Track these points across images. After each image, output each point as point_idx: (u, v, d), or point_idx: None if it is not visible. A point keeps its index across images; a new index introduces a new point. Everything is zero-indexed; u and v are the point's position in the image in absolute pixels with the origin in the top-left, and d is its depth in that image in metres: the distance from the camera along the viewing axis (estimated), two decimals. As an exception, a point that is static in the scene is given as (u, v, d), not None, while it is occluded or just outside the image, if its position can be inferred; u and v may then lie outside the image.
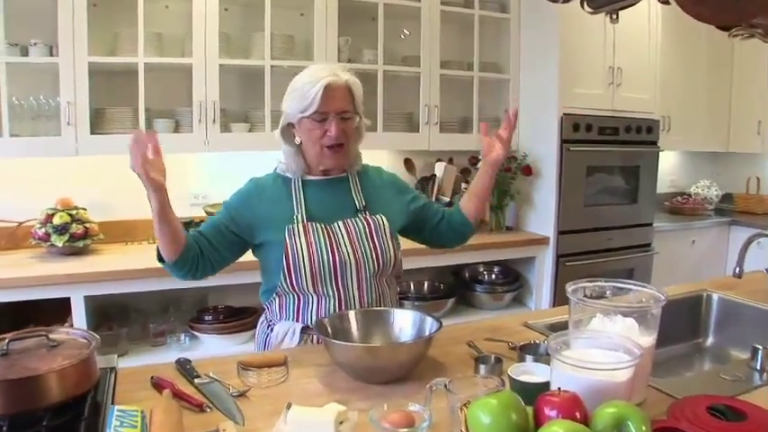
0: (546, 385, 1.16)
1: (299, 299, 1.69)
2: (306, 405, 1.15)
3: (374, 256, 1.68)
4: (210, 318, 2.86)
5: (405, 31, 3.56)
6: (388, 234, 1.73)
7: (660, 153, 3.86)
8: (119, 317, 2.83)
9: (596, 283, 1.42)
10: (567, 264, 3.49)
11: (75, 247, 2.74)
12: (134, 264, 2.61)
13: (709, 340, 2.17)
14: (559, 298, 3.50)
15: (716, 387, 1.47)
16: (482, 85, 3.62)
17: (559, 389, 0.99)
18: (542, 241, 3.50)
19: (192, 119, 2.89)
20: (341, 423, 1.11)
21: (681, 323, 2.16)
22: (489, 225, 3.64)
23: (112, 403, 1.24)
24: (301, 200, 1.71)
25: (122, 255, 2.84)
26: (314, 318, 1.65)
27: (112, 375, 1.38)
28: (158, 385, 1.32)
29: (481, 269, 3.63)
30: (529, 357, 1.41)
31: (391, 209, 1.80)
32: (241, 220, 1.70)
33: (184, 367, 1.41)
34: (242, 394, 1.29)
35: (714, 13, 1.40)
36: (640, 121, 3.68)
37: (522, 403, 0.98)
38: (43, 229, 2.71)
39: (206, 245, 1.68)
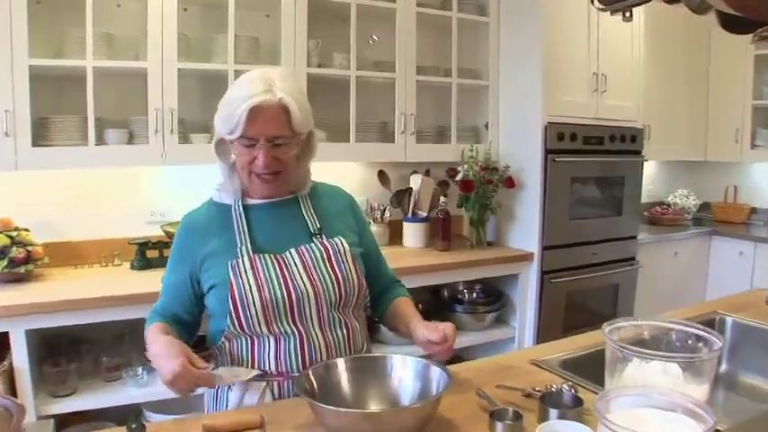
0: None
1: (252, 341, 1.44)
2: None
3: (335, 284, 1.46)
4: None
5: (373, 36, 3.34)
6: (349, 258, 1.50)
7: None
8: (67, 350, 2.51)
9: (632, 323, 1.21)
10: (553, 281, 3.30)
11: (16, 273, 2.43)
12: (84, 291, 2.32)
13: (723, 367, 1.99)
14: (545, 317, 3.32)
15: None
16: (460, 92, 3.42)
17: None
18: (526, 257, 3.31)
19: (148, 129, 2.61)
20: None
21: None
22: (469, 241, 3.43)
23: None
24: (244, 229, 1.47)
25: (70, 281, 2.54)
26: (272, 362, 1.42)
27: (47, 448, 1.12)
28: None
29: (461, 288, 3.41)
30: (553, 412, 1.20)
31: (349, 233, 1.59)
32: (193, 270, 1.49)
33: (137, 435, 1.15)
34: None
35: (760, 7, 1.22)
36: (624, 130, 3.53)
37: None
38: (-22, 254, 2.40)
39: (183, 318, 1.51)
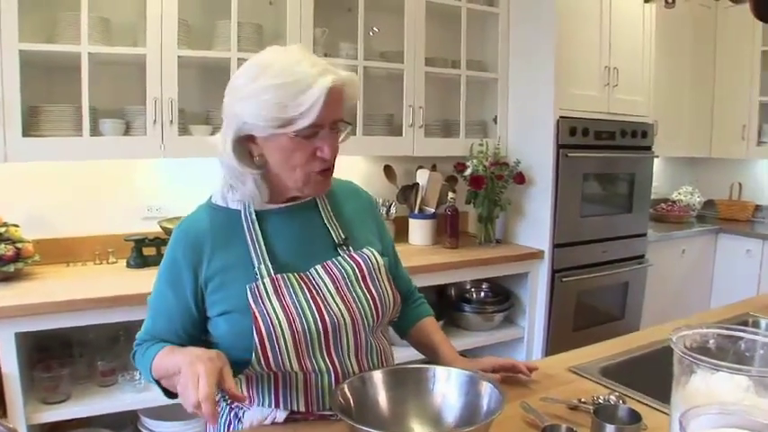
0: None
1: (276, 378, 1.23)
2: None
3: (372, 306, 1.26)
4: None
5: (374, 28, 3.21)
6: (383, 273, 1.31)
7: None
8: (60, 354, 2.38)
9: (697, 331, 1.10)
10: (564, 279, 3.20)
11: (5, 272, 2.28)
12: (77, 292, 2.18)
13: (758, 373, 1.89)
14: (555, 317, 3.22)
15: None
16: (468, 84, 3.30)
17: None
18: (536, 255, 3.20)
19: (146, 120, 2.46)
20: None
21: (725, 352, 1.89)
22: (478, 239, 3.32)
23: None
24: (259, 242, 1.24)
25: (62, 280, 2.40)
26: (302, 402, 1.22)
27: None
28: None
29: (468, 287, 3.31)
30: (610, 428, 1.09)
31: (373, 236, 1.41)
32: (194, 291, 1.24)
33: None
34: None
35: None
36: (636, 125, 3.43)
37: None
38: (-36, 251, 2.26)
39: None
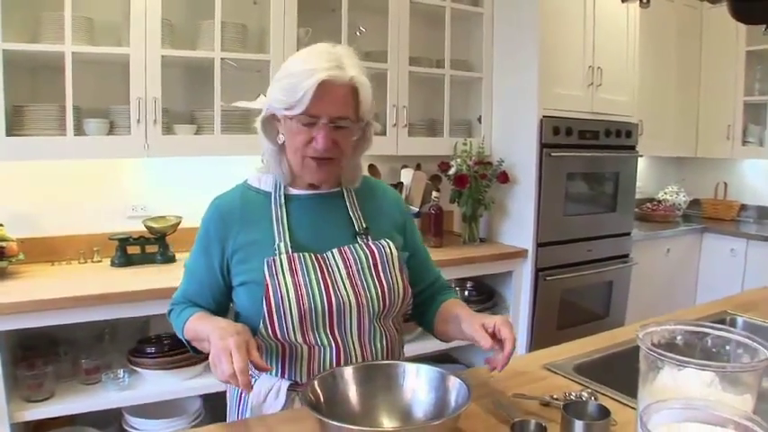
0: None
1: (284, 349, 1.32)
2: None
3: (379, 294, 1.32)
4: (153, 349, 2.43)
5: (360, 27, 3.22)
6: (396, 264, 1.37)
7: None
8: (44, 351, 2.38)
9: (665, 327, 1.12)
10: (548, 278, 3.23)
11: (-12, 270, 2.29)
12: (61, 290, 2.19)
13: (733, 370, 1.92)
14: (539, 315, 3.25)
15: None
16: (452, 84, 3.32)
17: None
18: (520, 254, 3.22)
19: (130, 119, 2.47)
20: None
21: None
22: (462, 237, 3.34)
23: None
24: (284, 221, 1.33)
25: (47, 278, 2.41)
26: (305, 373, 1.30)
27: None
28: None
29: (453, 285, 3.31)
30: (578, 423, 1.11)
31: (396, 233, 1.45)
32: (222, 258, 1.36)
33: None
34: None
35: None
36: (620, 125, 3.47)
37: None
38: (-52, 250, 2.26)
39: (210, 310, 1.38)
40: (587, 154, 3.32)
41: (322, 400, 1.07)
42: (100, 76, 2.59)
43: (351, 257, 1.34)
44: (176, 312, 1.40)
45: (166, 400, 2.40)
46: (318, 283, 1.29)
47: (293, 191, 1.39)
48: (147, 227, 2.66)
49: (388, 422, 1.13)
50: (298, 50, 2.75)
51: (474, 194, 3.24)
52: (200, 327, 1.29)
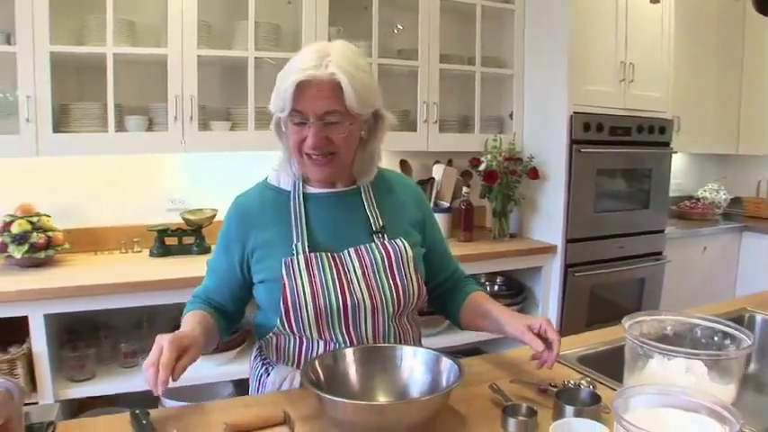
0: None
1: (300, 342, 1.38)
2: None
3: (394, 295, 1.36)
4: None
5: (398, 25, 3.29)
6: (411, 264, 1.39)
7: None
8: (87, 335, 2.53)
9: (655, 317, 1.16)
10: (577, 274, 3.23)
11: (36, 258, 2.44)
12: (103, 277, 2.34)
13: (752, 367, 1.90)
14: (568, 311, 3.26)
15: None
16: (483, 81, 3.36)
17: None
18: (549, 250, 3.24)
19: (168, 116, 2.60)
20: None
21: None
22: (492, 232, 3.38)
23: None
24: (302, 221, 1.37)
25: (90, 266, 2.55)
26: None
27: (50, 432, 1.10)
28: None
29: (483, 280, 3.37)
30: (569, 409, 1.15)
31: (413, 229, 1.48)
32: (243, 256, 1.41)
33: (140, 423, 1.14)
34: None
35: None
36: (653, 121, 3.43)
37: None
38: (0, 239, 2.42)
39: (227, 307, 1.46)
40: (618, 150, 3.30)
41: (322, 378, 1.14)
42: (140, 76, 2.72)
43: (367, 257, 1.37)
44: (188, 306, 1.45)
45: (200, 384, 2.51)
46: (334, 283, 1.32)
47: (311, 189, 1.42)
48: (184, 219, 2.78)
49: (384, 400, 1.20)
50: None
51: (504, 190, 3.27)
52: (182, 325, 1.34)
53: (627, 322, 1.10)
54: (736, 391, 1.04)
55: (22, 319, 2.20)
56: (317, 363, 1.18)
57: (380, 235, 1.41)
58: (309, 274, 1.32)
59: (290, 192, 1.42)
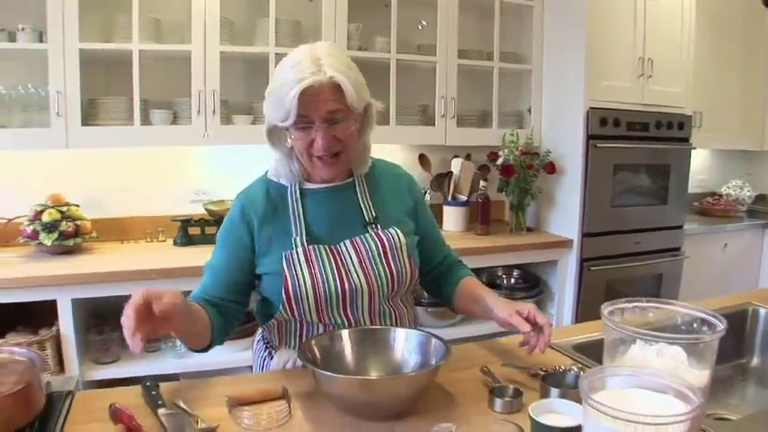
0: (576, 431, 0.96)
1: (301, 326, 1.46)
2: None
3: (389, 278, 1.44)
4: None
5: (422, 21, 3.35)
6: (404, 251, 1.47)
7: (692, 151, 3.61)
8: (112, 320, 2.64)
9: (636, 304, 1.21)
10: (592, 268, 3.26)
11: (65, 245, 2.57)
12: (127, 264, 2.45)
13: (755, 360, 1.93)
14: (583, 305, 3.28)
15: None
16: (502, 76, 3.40)
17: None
18: (565, 244, 3.27)
19: (191, 110, 2.71)
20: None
21: (723, 341, 1.93)
22: (509, 226, 3.42)
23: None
24: (300, 216, 1.44)
25: (116, 254, 2.67)
26: None
27: (68, 401, 1.20)
28: (115, 415, 1.13)
29: (500, 273, 3.41)
30: (554, 391, 1.21)
31: (405, 216, 1.56)
32: (247, 252, 1.45)
33: (150, 393, 1.23)
34: (211, 431, 1.09)
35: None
36: (671, 117, 3.43)
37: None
38: (32, 227, 2.54)
39: (224, 302, 1.44)
40: (636, 146, 3.31)
41: (318, 357, 1.22)
42: (165, 71, 2.83)
43: (362, 247, 1.44)
44: None
45: (218, 368, 2.61)
46: (333, 273, 1.40)
47: (308, 185, 1.49)
48: (207, 210, 2.88)
49: (374, 374, 1.27)
50: (348, 44, 2.94)
51: (521, 184, 3.31)
52: None
53: (606, 309, 1.14)
54: (710, 375, 1.08)
55: (52, 303, 2.32)
56: (313, 342, 1.25)
57: (374, 225, 1.48)
58: (309, 266, 1.39)
59: (287, 187, 1.49)
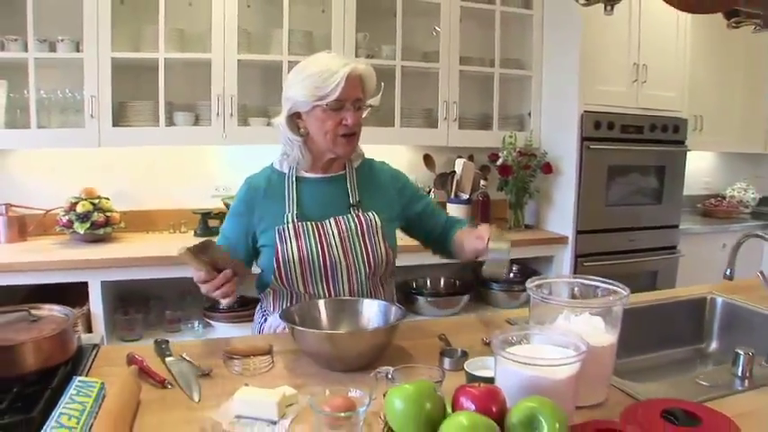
0: (493, 380, 1.17)
1: (291, 295, 1.72)
2: (263, 387, 1.19)
3: (365, 257, 1.69)
4: (224, 307, 2.93)
5: (436, 27, 3.57)
6: (380, 234, 1.72)
7: (689, 153, 3.75)
8: (137, 303, 2.93)
9: (563, 280, 1.42)
10: (586, 264, 3.44)
11: (96, 234, 2.85)
12: (151, 251, 2.72)
13: (713, 345, 2.11)
14: (577, 298, 3.45)
15: (688, 392, 1.42)
16: (503, 81, 3.61)
17: (479, 383, 1.00)
18: (561, 240, 3.46)
19: (211, 112, 2.98)
20: (289, 406, 1.15)
21: (683, 326, 2.11)
22: (508, 223, 3.62)
23: (86, 376, 1.30)
24: (293, 197, 1.70)
25: (142, 243, 2.95)
26: None
27: (95, 351, 1.45)
28: (131, 361, 1.38)
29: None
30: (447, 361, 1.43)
31: (387, 207, 1.80)
32: (250, 226, 1.73)
33: (160, 347, 1.47)
34: (206, 374, 1.34)
35: (698, 2, 1.36)
36: (666, 120, 3.59)
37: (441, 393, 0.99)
38: (67, 217, 2.84)
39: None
40: (629, 148, 3.48)
41: (297, 321, 1.45)
42: (188, 77, 3.11)
43: (343, 225, 1.70)
44: None
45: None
46: (317, 246, 1.66)
47: (306, 174, 1.76)
48: (225, 204, 3.14)
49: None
50: (357, 52, 3.17)
51: (518, 183, 3.51)
52: None
53: (532, 283, 1.35)
54: (617, 336, 1.28)
55: (83, 285, 2.60)
56: (294, 309, 1.50)
57: (356, 208, 1.73)
58: (297, 238, 1.66)
59: (286, 175, 1.75)
